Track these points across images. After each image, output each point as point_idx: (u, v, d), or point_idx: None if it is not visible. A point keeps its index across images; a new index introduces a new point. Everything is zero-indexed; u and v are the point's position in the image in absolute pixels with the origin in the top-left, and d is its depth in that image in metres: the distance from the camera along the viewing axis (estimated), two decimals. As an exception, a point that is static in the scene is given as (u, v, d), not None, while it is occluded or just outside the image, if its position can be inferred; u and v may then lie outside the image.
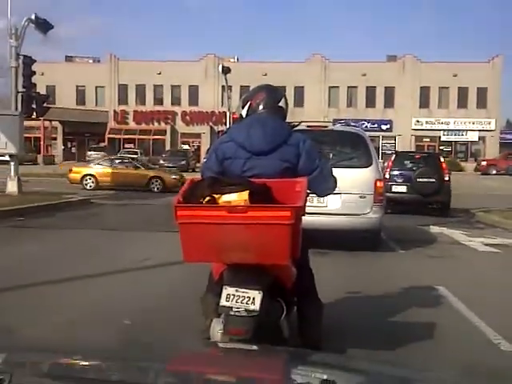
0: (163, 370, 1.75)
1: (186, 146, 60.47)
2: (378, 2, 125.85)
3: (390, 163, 18.60)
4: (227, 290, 3.90)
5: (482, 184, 35.76)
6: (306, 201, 3.93)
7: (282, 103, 4.58)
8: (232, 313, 3.86)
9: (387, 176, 17.25)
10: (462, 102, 61.60)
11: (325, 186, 4.46)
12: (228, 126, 33.15)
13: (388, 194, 15.19)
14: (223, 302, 3.89)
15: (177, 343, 2.28)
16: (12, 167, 19.18)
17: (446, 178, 17.70)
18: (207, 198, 3.78)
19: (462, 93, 61.35)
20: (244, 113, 4.53)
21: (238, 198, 3.75)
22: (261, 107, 4.49)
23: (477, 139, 62.15)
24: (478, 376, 1.17)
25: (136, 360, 1.85)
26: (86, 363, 1.82)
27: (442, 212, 17.44)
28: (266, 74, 54.63)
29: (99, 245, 10.57)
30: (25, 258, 9.23)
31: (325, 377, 1.36)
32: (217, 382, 1.54)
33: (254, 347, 2.64)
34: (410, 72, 61.37)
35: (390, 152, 56.06)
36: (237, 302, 3.87)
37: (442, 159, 18.72)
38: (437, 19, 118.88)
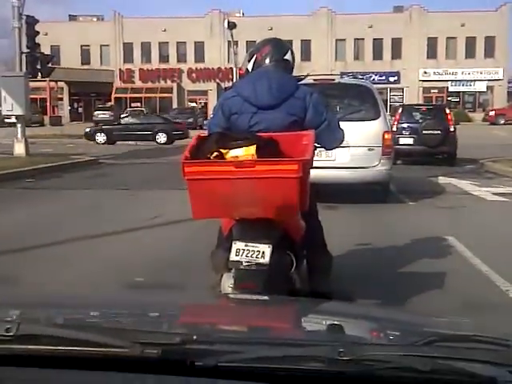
0: (175, 320, 1.80)
1: (193, 104, 60.25)
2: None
3: (398, 116, 19.08)
4: (237, 245, 3.92)
5: (490, 134, 35.58)
6: (313, 154, 3.92)
7: (288, 56, 4.53)
8: (242, 267, 3.89)
9: (395, 129, 17.60)
10: (470, 52, 60.91)
11: (332, 138, 4.42)
12: (235, 82, 32.98)
13: (396, 147, 15.42)
14: (233, 257, 3.92)
15: (188, 297, 2.30)
16: (19, 129, 19.15)
17: (452, 130, 18.15)
18: (214, 154, 3.77)
19: (470, 42, 60.64)
20: (250, 67, 4.49)
21: (246, 152, 3.74)
22: (267, 61, 4.44)
23: (485, 89, 61.61)
24: (481, 319, 1.18)
25: (147, 310, 1.89)
26: (97, 313, 1.85)
27: (449, 162, 17.86)
28: (271, 29, 54.02)
29: (109, 204, 10.60)
30: (36, 219, 9.31)
31: (334, 323, 1.38)
32: (228, 331, 1.56)
33: (265, 297, 2.68)
34: (417, 23, 60.61)
35: (397, 104, 55.89)
36: (247, 256, 3.89)
37: (447, 111, 19.17)
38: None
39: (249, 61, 4.53)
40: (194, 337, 1.22)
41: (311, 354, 1.13)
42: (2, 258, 6.70)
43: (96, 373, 1.13)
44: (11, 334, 1.19)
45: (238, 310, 2.02)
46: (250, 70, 4.50)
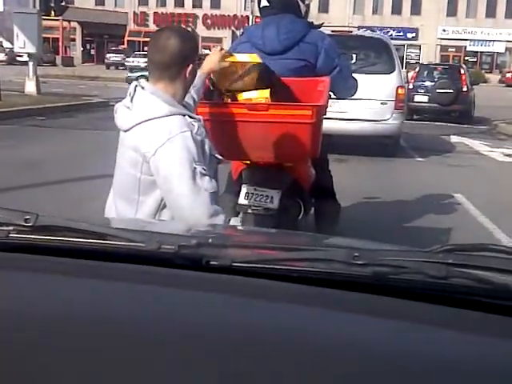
0: (191, 229, 1.85)
1: (206, 51, 59.79)
2: None
3: (415, 74, 20.09)
4: (246, 189, 3.93)
5: (505, 95, 35.19)
6: (328, 101, 3.88)
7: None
8: (250, 211, 3.90)
9: (411, 86, 18.64)
10: (491, 11, 59.91)
11: (344, 86, 4.31)
12: (246, 26, 32.53)
13: (411, 103, 17.45)
14: (242, 201, 3.93)
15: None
16: (30, 67, 19.01)
17: (464, 89, 18.88)
18: (228, 94, 3.75)
19: (491, 1, 59.59)
20: (262, 4, 4.36)
21: (259, 95, 3.70)
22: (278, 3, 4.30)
23: (503, 50, 60.84)
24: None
25: (165, 223, 1.93)
26: (117, 220, 1.89)
27: (463, 120, 18.23)
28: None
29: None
30: (48, 156, 9.31)
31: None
32: (243, 238, 1.60)
33: (273, 230, 2.71)
34: (439, -22, 59.56)
35: (414, 61, 55.30)
36: (255, 200, 3.91)
37: (462, 71, 19.74)
38: None
39: (259, 0, 4.42)
40: (210, 240, 1.25)
41: (325, 257, 1.15)
42: (22, 193, 6.74)
43: (110, 264, 1.17)
44: (30, 224, 1.22)
45: (251, 231, 2.06)
46: (264, 5, 4.35)
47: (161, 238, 1.20)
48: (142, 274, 1.13)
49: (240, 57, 3.66)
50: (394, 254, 1.20)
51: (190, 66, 2.68)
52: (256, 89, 3.71)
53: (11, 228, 1.23)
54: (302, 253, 1.23)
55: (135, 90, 2.65)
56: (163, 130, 2.51)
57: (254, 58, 3.71)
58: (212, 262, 1.14)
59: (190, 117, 2.63)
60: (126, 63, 51.84)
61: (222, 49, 3.53)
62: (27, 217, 1.22)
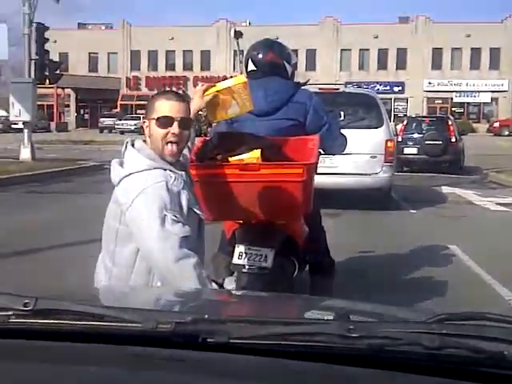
0: (186, 304, 1.87)
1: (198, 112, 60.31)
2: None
3: (403, 127, 20.35)
4: (240, 248, 3.95)
5: (494, 145, 35.54)
6: (318, 158, 3.94)
7: (287, 61, 4.50)
8: (245, 270, 3.92)
9: (400, 139, 18.73)
10: (475, 63, 60.92)
11: (333, 143, 4.40)
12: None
13: (401, 156, 17.58)
14: (236, 260, 3.95)
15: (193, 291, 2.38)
16: (25, 134, 19.20)
17: (453, 140, 19.08)
18: (219, 156, 3.80)
19: (475, 54, 60.66)
20: (251, 68, 4.48)
21: (251, 155, 3.76)
22: (265, 65, 4.39)
23: (489, 100, 61.63)
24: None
25: (160, 295, 1.96)
26: (112, 296, 1.91)
27: (453, 170, 18.43)
28: (277, 38, 53.00)
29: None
30: (43, 222, 9.33)
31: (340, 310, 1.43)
32: (238, 312, 1.61)
33: (265, 294, 2.73)
34: (423, 33, 60.65)
35: (402, 114, 55.87)
36: (249, 259, 3.92)
37: (450, 122, 19.98)
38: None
39: (246, 65, 4.54)
40: (206, 316, 1.26)
41: (321, 330, 1.16)
42: (14, 260, 6.77)
43: (109, 346, 1.18)
44: (29, 308, 1.24)
45: (245, 299, 2.08)
46: (251, 69, 4.47)
47: (157, 317, 1.22)
48: (140, 358, 1.14)
49: (223, 84, 3.63)
50: (388, 325, 1.21)
51: (145, 124, 2.89)
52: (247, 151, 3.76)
53: (11, 313, 1.24)
54: (298, 327, 1.23)
55: (126, 147, 2.85)
56: (140, 182, 2.68)
57: (238, 79, 3.69)
58: (209, 340, 1.15)
59: (171, 170, 2.76)
60: (116, 126, 52.47)
61: (203, 85, 3.57)
62: (26, 301, 1.24)
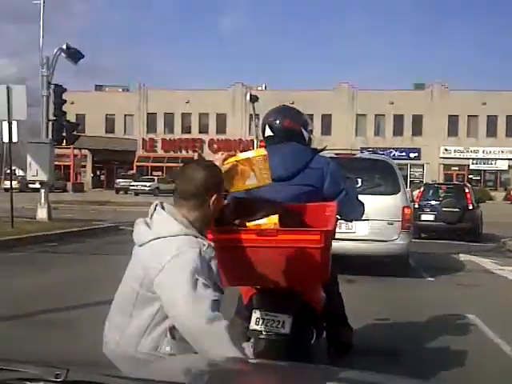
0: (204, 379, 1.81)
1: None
2: (404, 30, 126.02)
3: (420, 194, 20.40)
4: (257, 314, 3.92)
5: (511, 213, 35.33)
6: (335, 225, 3.93)
7: (301, 126, 4.55)
8: (262, 336, 3.88)
9: (417, 206, 18.93)
10: (491, 131, 61.24)
11: (351, 209, 4.42)
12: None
13: (418, 222, 17.72)
14: (253, 326, 3.91)
15: (209, 361, 2.33)
16: (42, 194, 19.37)
17: (470, 207, 19.09)
18: (237, 221, 3.79)
19: (491, 121, 61.01)
20: (268, 133, 4.52)
21: (268, 221, 3.75)
22: (281, 131, 4.46)
23: (506, 168, 61.67)
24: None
25: (185, 368, 1.93)
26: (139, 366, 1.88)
27: (471, 238, 18.19)
28: (293, 103, 54.32)
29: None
30: (59, 282, 9.31)
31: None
32: None
33: (284, 363, 2.69)
34: (438, 100, 61.21)
35: (418, 180, 55.99)
36: (267, 325, 3.89)
37: (466, 190, 20.01)
38: (463, 47, 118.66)
39: (263, 131, 4.57)
40: None
41: None
42: (36, 320, 6.75)
43: None
44: (60, 379, 1.23)
45: (267, 370, 2.04)
46: (268, 135, 4.52)
47: None
48: None
49: (243, 154, 3.69)
50: None
51: (214, 196, 2.92)
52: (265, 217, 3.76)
53: None
54: None
55: (155, 209, 2.88)
56: (172, 247, 2.70)
57: (258, 151, 3.75)
58: None
59: (201, 238, 2.82)
60: (130, 187, 52.89)
61: (223, 153, 3.64)
62: (57, 372, 1.23)
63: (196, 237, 2.79)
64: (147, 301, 2.74)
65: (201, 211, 2.89)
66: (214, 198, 2.92)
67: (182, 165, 3.17)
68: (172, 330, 2.72)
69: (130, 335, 2.77)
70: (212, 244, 2.85)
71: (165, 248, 2.71)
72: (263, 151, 3.77)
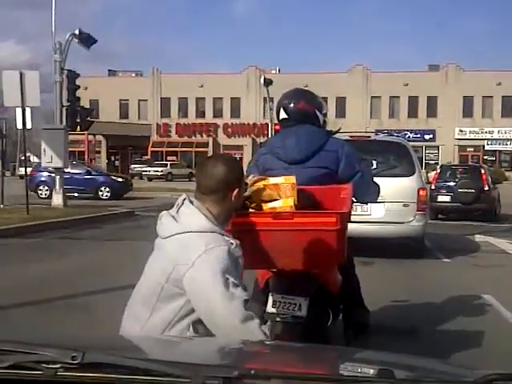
0: (232, 357, 1.83)
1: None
2: (418, 11, 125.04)
3: (436, 175, 20.77)
4: (274, 297, 3.93)
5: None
6: (351, 207, 3.92)
7: (316, 108, 4.54)
8: (278, 319, 3.88)
9: (433, 187, 19.59)
10: (507, 111, 60.68)
11: (366, 191, 4.42)
12: (269, 137, 33.19)
13: (434, 203, 18.65)
14: (270, 309, 3.92)
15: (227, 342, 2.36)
16: (57, 180, 19.45)
17: (486, 188, 19.23)
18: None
19: (506, 101, 60.46)
20: (281, 116, 4.51)
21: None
22: (296, 113, 4.46)
23: (522, 148, 61.22)
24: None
25: (207, 347, 1.94)
26: (158, 347, 1.88)
27: (486, 218, 18.43)
28: (307, 85, 54.18)
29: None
30: (75, 268, 9.37)
31: (372, 372, 1.38)
32: (283, 367, 1.59)
33: (301, 345, 2.70)
34: (453, 81, 60.74)
35: (433, 162, 55.72)
36: (283, 308, 3.90)
37: (482, 171, 20.21)
38: (478, 26, 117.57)
39: (278, 112, 4.56)
40: (252, 371, 1.24)
41: None
42: (52, 307, 6.79)
43: None
44: (77, 361, 1.24)
45: (286, 350, 2.05)
46: (283, 117, 4.50)
47: (205, 371, 1.20)
48: None
49: (273, 180, 3.80)
50: None
51: (236, 191, 2.90)
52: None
53: (58, 366, 1.24)
54: None
55: (183, 203, 2.85)
56: (201, 243, 2.68)
57: (288, 179, 3.81)
58: None
59: (228, 236, 2.81)
60: (143, 173, 53.02)
61: (254, 176, 3.83)
62: (74, 354, 1.24)
63: (222, 234, 2.79)
64: (173, 295, 2.73)
65: (223, 206, 2.88)
66: (235, 192, 2.90)
67: (201, 160, 3.16)
68: (195, 324, 2.72)
69: (152, 327, 2.76)
70: (238, 243, 2.83)
71: (194, 243, 2.70)
72: (293, 179, 3.83)
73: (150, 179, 50.72)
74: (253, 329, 2.61)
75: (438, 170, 21.57)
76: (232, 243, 2.76)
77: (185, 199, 2.88)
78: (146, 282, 2.87)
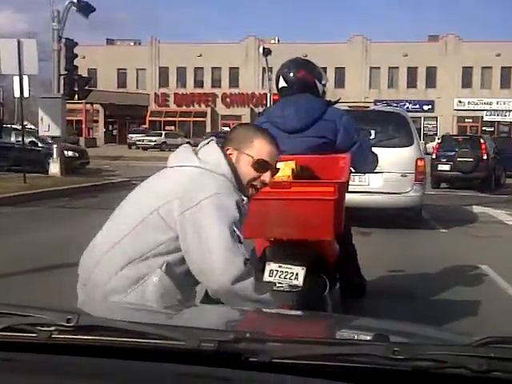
0: (228, 321, 1.86)
1: (226, 128, 60.70)
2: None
3: (437, 145, 21.73)
4: (270, 266, 3.93)
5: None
6: (349, 177, 3.93)
7: (315, 78, 4.52)
8: (275, 288, 3.89)
9: (434, 156, 20.70)
10: (505, 82, 60.52)
11: (364, 160, 4.42)
12: (267, 107, 33.07)
13: (435, 172, 19.95)
14: (266, 278, 3.92)
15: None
16: (55, 149, 19.37)
17: (484, 158, 19.92)
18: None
19: (505, 72, 60.25)
20: (282, 84, 4.50)
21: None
22: (295, 83, 4.43)
23: (520, 119, 61.11)
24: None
25: (202, 313, 1.95)
26: (154, 312, 1.89)
27: (484, 187, 19.29)
28: (306, 55, 53.51)
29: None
30: (72, 235, 9.35)
31: (369, 338, 1.40)
32: (281, 331, 1.60)
33: (298, 312, 2.70)
34: (452, 52, 60.47)
35: (431, 133, 55.66)
36: (280, 277, 3.90)
37: (482, 141, 20.87)
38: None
39: (277, 81, 4.55)
40: (248, 335, 1.24)
41: (365, 352, 1.14)
42: (48, 275, 6.81)
43: (151, 364, 1.17)
44: (71, 324, 1.23)
45: (284, 317, 2.06)
46: (282, 86, 4.49)
47: (200, 335, 1.20)
48: (183, 376, 1.14)
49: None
50: (433, 348, 1.18)
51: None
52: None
53: (53, 328, 1.24)
54: (342, 348, 1.21)
55: (209, 143, 2.65)
56: (213, 185, 2.46)
57: (288, 165, 3.80)
58: (251, 359, 1.14)
59: (240, 194, 2.59)
60: (137, 142, 52.82)
61: None
62: (69, 317, 1.23)
63: (235, 187, 2.56)
64: (154, 227, 2.48)
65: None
66: (233, 156, 2.69)
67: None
68: (170, 267, 2.47)
69: (119, 255, 2.56)
70: (247, 203, 2.61)
71: (205, 182, 2.47)
72: (292, 164, 3.81)
73: (145, 149, 50.56)
74: (246, 288, 2.39)
75: (439, 140, 22.39)
76: (243, 199, 2.55)
77: (212, 139, 2.68)
78: (130, 206, 2.72)
